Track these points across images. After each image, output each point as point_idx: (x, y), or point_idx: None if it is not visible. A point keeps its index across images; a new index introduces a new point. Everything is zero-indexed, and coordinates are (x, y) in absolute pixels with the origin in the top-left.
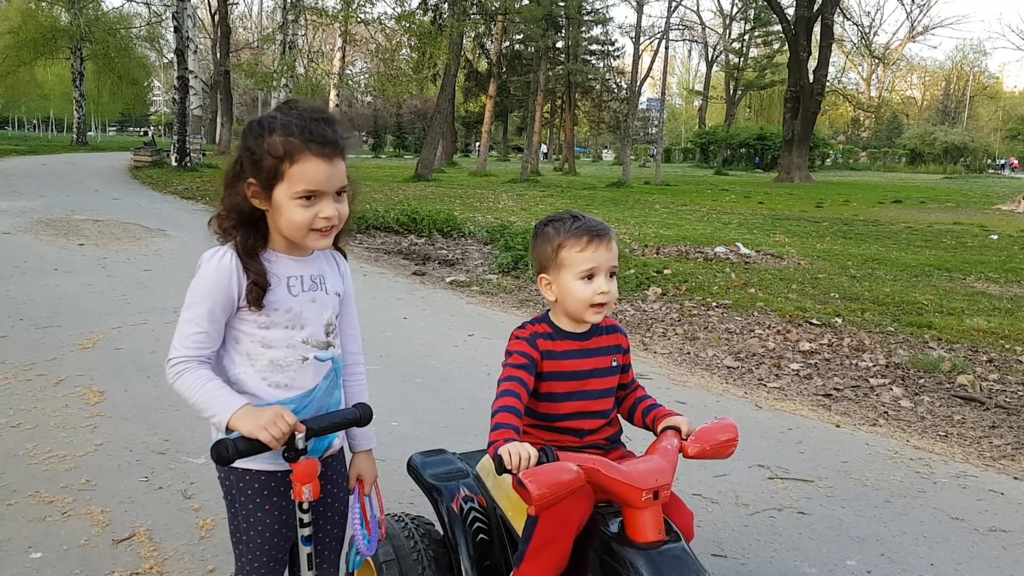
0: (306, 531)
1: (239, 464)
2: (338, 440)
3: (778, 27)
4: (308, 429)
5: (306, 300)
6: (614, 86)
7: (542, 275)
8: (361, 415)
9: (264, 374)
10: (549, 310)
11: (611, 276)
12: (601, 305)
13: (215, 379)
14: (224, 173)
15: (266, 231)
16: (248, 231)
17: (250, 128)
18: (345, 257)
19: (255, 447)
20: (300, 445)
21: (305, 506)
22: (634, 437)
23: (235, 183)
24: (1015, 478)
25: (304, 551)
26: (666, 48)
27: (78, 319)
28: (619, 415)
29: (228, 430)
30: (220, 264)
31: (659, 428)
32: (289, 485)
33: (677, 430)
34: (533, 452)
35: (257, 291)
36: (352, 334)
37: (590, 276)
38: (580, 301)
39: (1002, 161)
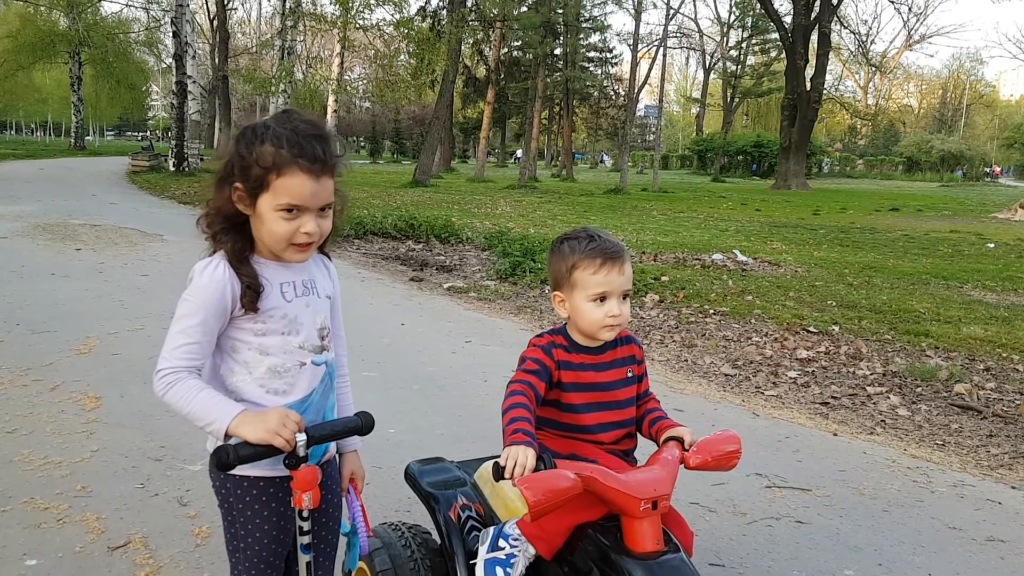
0: (305, 539)
1: (237, 471)
2: (333, 446)
3: (775, 35)
4: (309, 437)
5: (300, 305)
6: (612, 93)
7: (556, 292)
8: (363, 424)
9: (262, 381)
10: (566, 323)
11: (624, 298)
12: (613, 326)
13: (207, 388)
14: (215, 172)
15: (252, 235)
16: (236, 236)
17: (243, 133)
18: (330, 259)
19: (259, 452)
20: (301, 452)
21: (305, 514)
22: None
23: (223, 185)
24: (1013, 487)
25: (303, 559)
26: (664, 55)
27: (75, 324)
28: None
29: (227, 437)
30: (214, 275)
31: (662, 439)
32: (287, 491)
33: (680, 441)
34: (532, 458)
35: (251, 294)
36: (339, 335)
37: (602, 298)
38: (591, 323)
39: (987, 170)
